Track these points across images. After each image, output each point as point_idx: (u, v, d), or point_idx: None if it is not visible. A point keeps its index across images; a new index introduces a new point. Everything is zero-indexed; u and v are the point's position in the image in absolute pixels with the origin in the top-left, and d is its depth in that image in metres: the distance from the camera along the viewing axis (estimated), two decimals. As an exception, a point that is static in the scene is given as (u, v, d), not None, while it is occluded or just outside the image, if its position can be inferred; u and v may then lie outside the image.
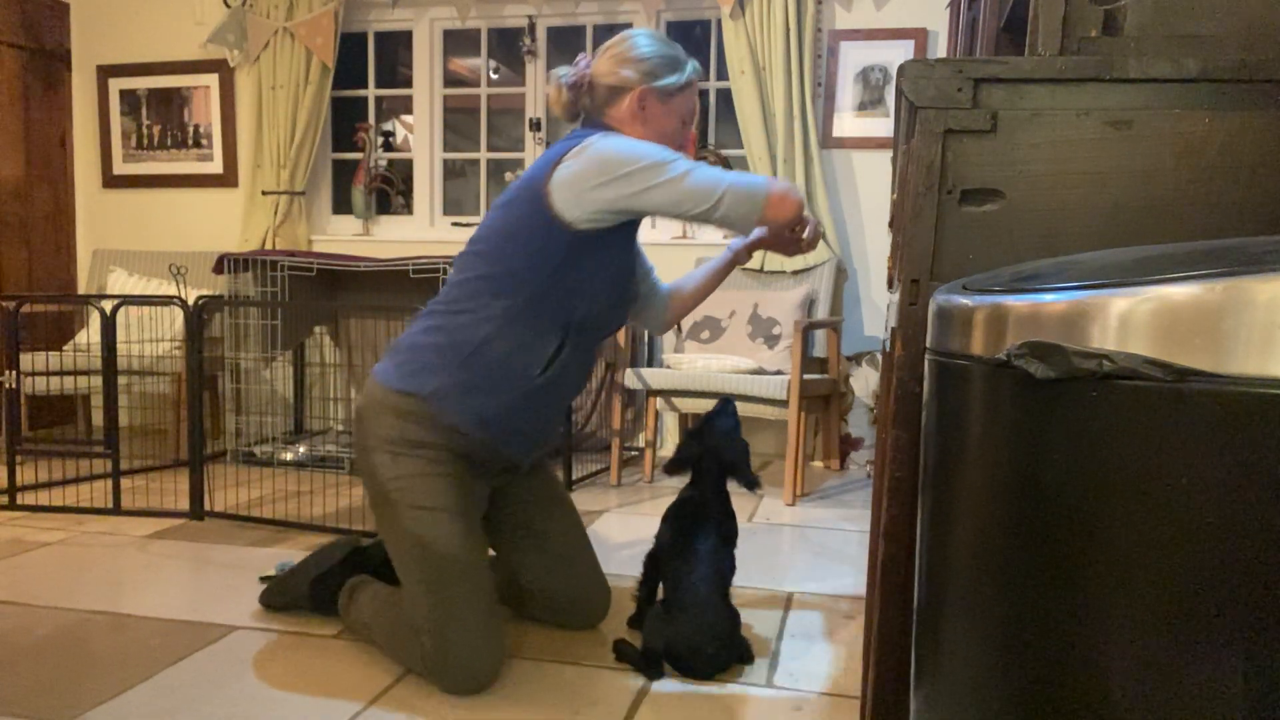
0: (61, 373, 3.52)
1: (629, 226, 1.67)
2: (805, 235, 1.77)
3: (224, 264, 3.40)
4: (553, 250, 1.60)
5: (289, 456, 3.45)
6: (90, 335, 3.89)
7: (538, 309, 1.62)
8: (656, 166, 1.56)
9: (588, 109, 1.75)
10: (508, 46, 4.17)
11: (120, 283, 4.02)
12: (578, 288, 1.62)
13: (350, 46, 4.16)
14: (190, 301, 2.69)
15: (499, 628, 1.62)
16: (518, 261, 1.62)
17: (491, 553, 1.83)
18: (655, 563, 1.82)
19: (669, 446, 3.87)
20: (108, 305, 2.70)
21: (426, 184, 4.20)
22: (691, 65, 1.75)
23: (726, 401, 1.84)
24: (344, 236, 4.22)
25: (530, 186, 1.63)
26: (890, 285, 1.53)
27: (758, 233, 1.83)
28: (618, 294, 1.71)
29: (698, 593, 1.64)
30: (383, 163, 4.25)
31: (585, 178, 1.57)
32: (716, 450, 1.77)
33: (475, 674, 1.55)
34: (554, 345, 1.64)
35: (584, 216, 1.58)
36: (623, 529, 2.63)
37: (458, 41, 4.21)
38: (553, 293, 1.61)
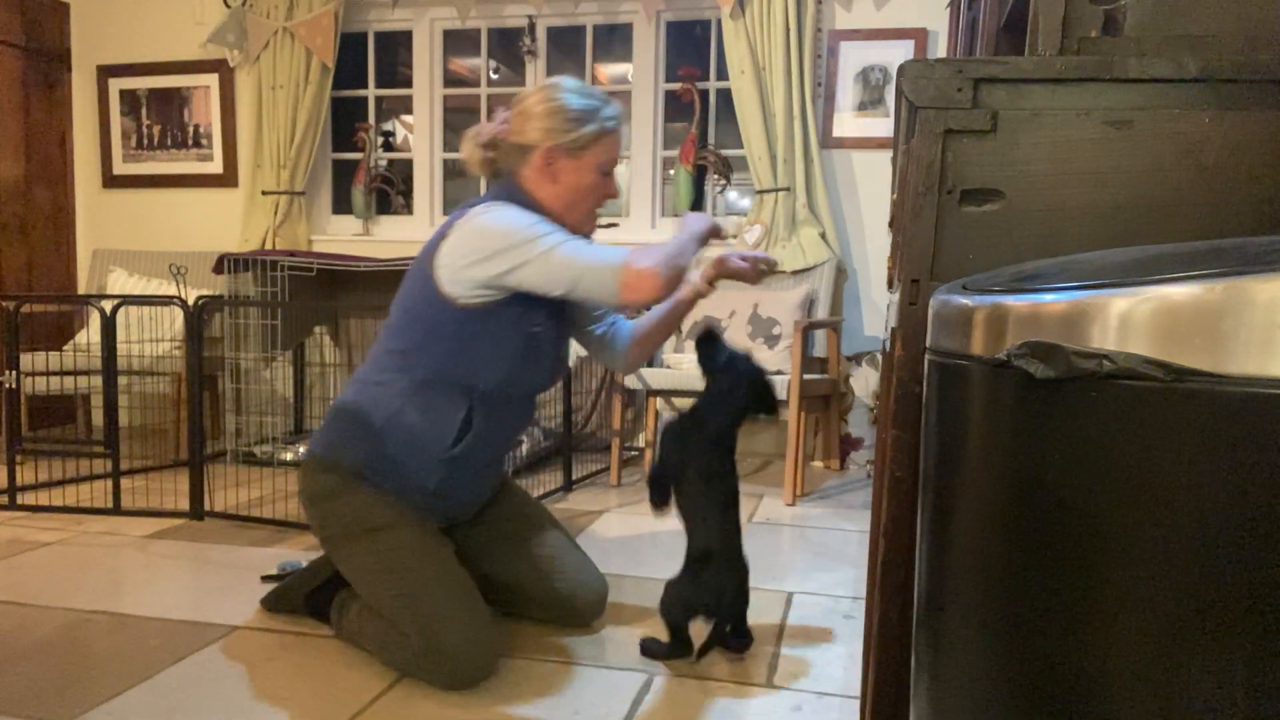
0: (61, 373, 3.51)
1: (536, 296, 1.61)
2: (753, 269, 1.75)
3: (224, 264, 3.40)
4: (445, 325, 1.60)
5: (289, 456, 3.45)
6: (90, 335, 3.89)
7: (439, 382, 1.63)
8: (523, 245, 1.54)
9: (503, 168, 1.72)
10: (508, 46, 4.17)
11: (120, 283, 4.02)
12: (478, 359, 1.62)
13: (350, 46, 4.16)
14: (190, 301, 2.69)
15: (485, 615, 1.62)
16: (415, 336, 1.63)
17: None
18: (661, 482, 1.73)
19: (669, 446, 3.87)
20: (108, 305, 2.70)
21: (426, 184, 4.20)
22: (607, 113, 1.68)
23: (718, 333, 1.75)
24: (344, 236, 4.22)
25: (423, 260, 1.63)
26: (890, 285, 1.53)
27: (732, 256, 1.81)
28: (530, 362, 1.67)
29: (730, 541, 1.65)
30: (383, 163, 4.25)
31: (459, 256, 1.57)
32: (752, 381, 1.70)
33: (469, 665, 1.55)
34: (461, 416, 1.63)
35: (465, 293, 1.58)
36: (623, 529, 2.63)
37: (458, 41, 4.21)
38: (451, 366, 1.62)
